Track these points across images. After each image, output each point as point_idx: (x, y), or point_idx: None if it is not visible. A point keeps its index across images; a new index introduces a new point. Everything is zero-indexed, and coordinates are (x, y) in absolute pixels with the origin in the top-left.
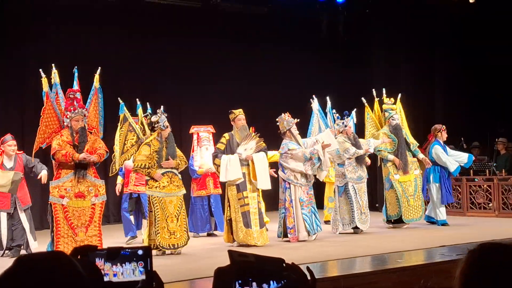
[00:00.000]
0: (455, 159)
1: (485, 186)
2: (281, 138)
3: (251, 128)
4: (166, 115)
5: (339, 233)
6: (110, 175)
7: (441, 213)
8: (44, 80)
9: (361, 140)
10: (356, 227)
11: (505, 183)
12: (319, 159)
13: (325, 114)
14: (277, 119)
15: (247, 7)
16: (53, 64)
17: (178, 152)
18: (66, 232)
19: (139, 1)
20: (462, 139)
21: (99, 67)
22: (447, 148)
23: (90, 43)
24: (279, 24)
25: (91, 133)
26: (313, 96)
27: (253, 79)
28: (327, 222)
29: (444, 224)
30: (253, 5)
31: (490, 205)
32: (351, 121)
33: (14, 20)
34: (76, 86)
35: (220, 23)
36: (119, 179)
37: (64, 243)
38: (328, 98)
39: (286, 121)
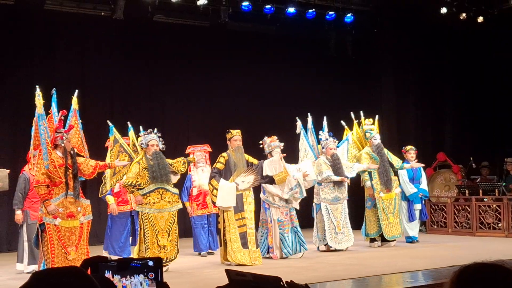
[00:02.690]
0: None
1: (494, 206)
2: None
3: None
4: (158, 134)
5: (320, 250)
6: (100, 195)
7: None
8: (38, 101)
9: (346, 163)
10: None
11: None
12: (297, 185)
13: (316, 134)
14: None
15: (255, 26)
16: (37, 86)
17: (171, 161)
18: (59, 252)
19: (147, 20)
20: (472, 159)
21: (76, 90)
22: (423, 173)
23: (95, 61)
24: (287, 44)
25: (79, 155)
26: (296, 117)
27: (262, 98)
28: None
29: (414, 240)
30: (262, 25)
31: (500, 225)
32: (335, 143)
33: (17, 37)
34: (55, 108)
35: (228, 43)
36: (112, 199)
37: (58, 263)
38: (309, 117)
39: (267, 145)
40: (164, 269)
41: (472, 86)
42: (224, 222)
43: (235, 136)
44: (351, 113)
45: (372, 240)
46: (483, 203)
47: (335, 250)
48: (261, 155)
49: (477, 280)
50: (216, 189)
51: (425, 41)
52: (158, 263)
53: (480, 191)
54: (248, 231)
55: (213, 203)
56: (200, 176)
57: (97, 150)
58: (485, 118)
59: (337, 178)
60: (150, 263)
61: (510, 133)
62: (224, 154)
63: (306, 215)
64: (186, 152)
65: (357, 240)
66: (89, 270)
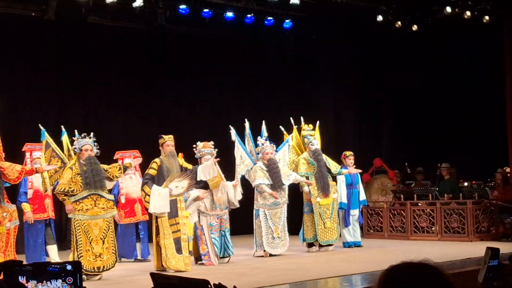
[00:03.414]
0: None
1: (428, 210)
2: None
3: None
4: (94, 139)
5: (254, 256)
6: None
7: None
8: None
9: (286, 170)
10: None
11: (447, 207)
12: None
13: (255, 140)
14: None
15: (193, 30)
16: None
17: (107, 166)
18: None
19: (80, 22)
20: (407, 164)
21: None
22: (360, 177)
23: (26, 63)
24: (226, 48)
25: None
26: (237, 122)
27: (200, 103)
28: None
29: (352, 245)
30: (200, 29)
31: (433, 228)
32: (272, 148)
33: None
34: None
35: (165, 46)
36: (28, 207)
37: None
38: (247, 123)
39: (198, 150)
40: (97, 277)
41: (408, 93)
42: (157, 228)
43: (168, 142)
44: (291, 118)
45: (310, 245)
46: (417, 208)
47: (272, 255)
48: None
49: (405, 278)
50: (149, 196)
51: (363, 49)
52: (77, 267)
53: (415, 196)
54: (182, 236)
55: (147, 209)
56: (128, 183)
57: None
58: (420, 125)
59: (268, 191)
60: (69, 267)
61: (444, 139)
62: (156, 160)
63: (247, 220)
64: (114, 157)
65: (296, 245)
66: (1, 275)
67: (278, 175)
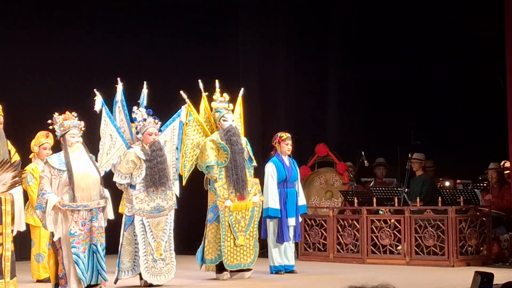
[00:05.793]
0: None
1: (392, 221)
2: None
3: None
4: None
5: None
6: None
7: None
8: None
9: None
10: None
11: (420, 216)
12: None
13: (129, 109)
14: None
15: None
16: None
17: None
18: None
19: None
20: (363, 153)
21: None
22: (298, 170)
23: None
24: None
25: None
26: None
27: (54, 62)
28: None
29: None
30: None
31: (399, 248)
32: (157, 125)
33: None
34: None
35: None
36: None
37: None
38: (120, 85)
39: (59, 124)
40: None
41: (364, 53)
42: None
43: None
44: (199, 81)
45: (221, 269)
46: (377, 217)
47: (151, 286)
48: None
49: None
50: None
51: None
52: None
53: (374, 200)
54: (4, 253)
55: None
56: None
57: None
58: (382, 98)
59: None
60: None
61: (416, 120)
62: None
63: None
64: None
65: (196, 269)
66: None
67: (163, 165)
